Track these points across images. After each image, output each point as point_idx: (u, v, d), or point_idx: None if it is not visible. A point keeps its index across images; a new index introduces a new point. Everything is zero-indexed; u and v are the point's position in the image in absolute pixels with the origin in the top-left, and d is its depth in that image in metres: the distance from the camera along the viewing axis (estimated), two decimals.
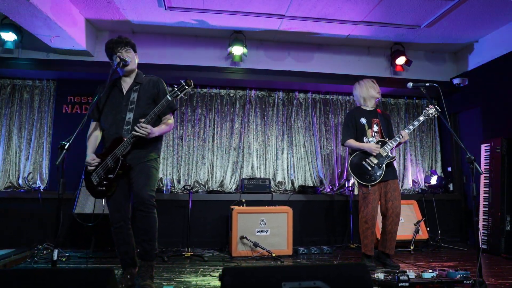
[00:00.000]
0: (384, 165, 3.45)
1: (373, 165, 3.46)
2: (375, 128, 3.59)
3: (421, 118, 3.47)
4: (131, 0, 4.00)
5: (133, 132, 2.53)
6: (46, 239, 4.24)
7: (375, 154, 3.44)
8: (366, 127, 3.58)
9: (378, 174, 3.44)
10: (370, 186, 3.45)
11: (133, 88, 2.77)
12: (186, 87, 2.47)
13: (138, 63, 2.90)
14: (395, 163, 3.68)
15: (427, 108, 3.42)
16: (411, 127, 3.52)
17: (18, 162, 4.83)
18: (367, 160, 3.49)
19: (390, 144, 3.46)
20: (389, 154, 3.48)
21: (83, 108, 4.90)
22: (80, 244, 4.36)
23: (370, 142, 3.54)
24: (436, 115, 3.37)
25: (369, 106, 3.67)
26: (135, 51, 2.87)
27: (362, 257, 3.56)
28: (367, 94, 3.64)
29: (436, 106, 3.30)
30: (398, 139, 3.46)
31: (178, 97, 2.51)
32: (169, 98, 2.50)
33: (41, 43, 4.29)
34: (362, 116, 3.61)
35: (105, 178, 2.63)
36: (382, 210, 3.55)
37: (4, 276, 1.59)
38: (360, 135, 3.58)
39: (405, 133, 3.47)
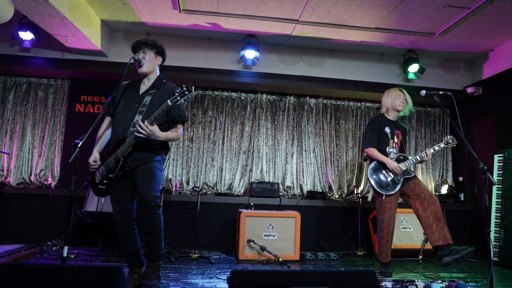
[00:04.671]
0: (402, 179, 3.46)
1: (392, 177, 3.48)
2: (396, 139, 3.60)
3: (442, 144, 3.51)
4: (147, 2, 4.05)
5: (135, 133, 2.51)
6: (55, 235, 4.30)
7: (396, 172, 3.44)
8: (389, 136, 3.59)
9: (394, 186, 3.45)
10: (384, 196, 3.45)
11: (149, 91, 2.76)
12: (187, 93, 2.42)
13: None
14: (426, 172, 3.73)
15: (447, 137, 3.52)
16: (437, 148, 3.53)
17: (31, 159, 4.91)
18: (387, 170, 3.51)
19: (412, 160, 3.48)
20: (409, 170, 3.49)
21: (96, 108, 4.97)
22: (88, 242, 4.40)
23: (390, 152, 3.56)
24: (452, 146, 3.50)
25: (392, 116, 3.67)
26: (159, 54, 2.83)
27: (380, 265, 3.55)
28: (391, 105, 3.63)
29: (454, 139, 3.48)
30: (423, 156, 3.47)
31: (178, 102, 2.46)
32: (169, 103, 2.45)
33: (57, 42, 4.36)
34: (387, 125, 3.61)
35: (106, 177, 2.64)
36: (416, 208, 3.43)
37: (14, 270, 1.61)
38: (382, 143, 3.58)
39: (430, 152, 3.48)
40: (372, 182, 3.51)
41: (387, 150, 3.56)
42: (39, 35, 4.52)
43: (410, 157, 3.51)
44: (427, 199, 3.37)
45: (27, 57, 4.69)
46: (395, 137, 3.60)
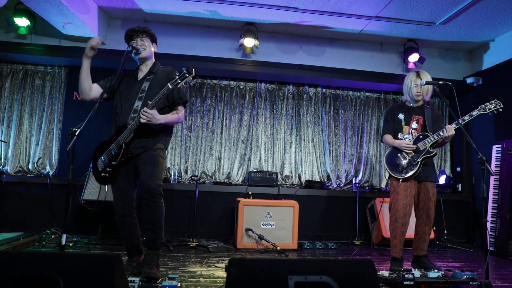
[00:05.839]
0: (419, 160, 3.15)
1: (408, 158, 3.20)
2: (414, 125, 3.31)
3: (474, 112, 3.05)
4: None
5: (140, 117, 2.50)
6: (53, 223, 4.30)
7: (407, 151, 3.19)
8: (403, 123, 3.33)
9: (411, 168, 3.16)
10: (400, 180, 3.17)
11: (147, 77, 2.78)
12: (187, 75, 2.42)
13: None
14: (434, 161, 3.31)
15: (486, 103, 3.04)
16: (460, 121, 3.02)
17: (28, 147, 4.89)
18: (402, 152, 3.24)
19: (431, 138, 3.14)
20: (428, 148, 3.16)
21: None
22: (87, 230, 4.40)
23: (406, 139, 3.28)
24: (496, 112, 3.02)
25: (412, 103, 3.38)
26: (153, 41, 2.88)
27: (391, 260, 3.28)
28: (408, 93, 3.34)
29: (499, 102, 3.01)
30: (442, 134, 3.09)
31: (179, 85, 2.47)
32: (170, 86, 2.46)
33: (54, 29, 4.30)
34: (401, 112, 3.38)
35: (108, 164, 2.64)
36: (414, 210, 3.28)
37: (13, 258, 1.61)
38: (396, 130, 3.37)
39: (449, 127, 3.05)
40: (387, 166, 3.28)
41: (400, 136, 3.32)
42: (35, 22, 4.44)
43: (430, 135, 3.18)
44: (422, 217, 3.21)
45: (23, 44, 4.63)
46: (414, 122, 3.31)
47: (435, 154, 3.21)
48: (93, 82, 2.81)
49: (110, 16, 4.71)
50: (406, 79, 3.39)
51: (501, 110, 3.04)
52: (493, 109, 3.04)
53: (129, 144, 2.60)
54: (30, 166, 4.83)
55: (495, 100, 3.06)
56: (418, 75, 3.30)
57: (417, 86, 3.28)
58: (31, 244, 3.76)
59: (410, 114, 3.35)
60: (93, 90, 2.79)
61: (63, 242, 2.16)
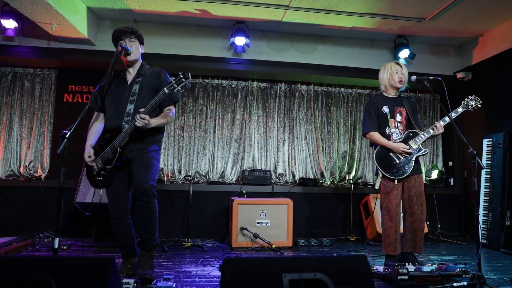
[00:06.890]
0: (413, 159, 3.13)
1: (402, 158, 3.14)
2: (398, 118, 3.24)
3: (460, 109, 3.12)
4: None
5: (135, 122, 2.51)
6: (47, 227, 4.26)
7: (407, 153, 3.11)
8: (389, 116, 3.24)
9: (406, 168, 3.12)
10: (396, 181, 3.11)
11: (136, 80, 2.77)
12: (183, 80, 2.44)
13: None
14: (420, 158, 3.33)
15: (466, 99, 3.12)
16: (447, 118, 3.08)
17: (19, 151, 4.83)
18: (395, 152, 3.17)
19: (422, 136, 3.13)
20: (420, 147, 3.14)
21: (84, 97, 4.89)
22: (81, 233, 4.38)
23: (393, 133, 3.22)
24: (476, 108, 3.11)
25: (392, 94, 3.32)
26: (141, 42, 2.85)
27: (385, 258, 3.23)
28: (388, 82, 3.29)
29: (478, 98, 3.10)
30: (432, 131, 3.10)
31: (175, 90, 2.48)
32: (166, 91, 2.47)
33: (42, 31, 4.25)
34: (384, 104, 3.27)
35: (103, 168, 2.63)
36: (405, 206, 3.20)
37: (6, 263, 1.59)
38: (382, 125, 3.25)
39: (439, 124, 3.08)
40: (381, 168, 3.16)
41: (387, 131, 3.22)
42: (23, 23, 4.38)
43: (420, 133, 3.16)
44: (417, 212, 3.13)
45: (11, 46, 4.56)
46: (398, 115, 3.24)
47: (427, 151, 3.21)
48: (92, 106, 2.81)
49: (99, 16, 4.67)
50: (384, 67, 3.34)
51: (480, 106, 3.13)
52: (474, 105, 3.12)
53: (124, 148, 2.60)
54: (21, 170, 4.78)
55: (474, 96, 3.15)
56: (396, 63, 3.31)
57: (398, 72, 3.27)
58: (24, 248, 3.72)
59: (393, 106, 3.28)
60: (101, 118, 2.84)
61: (56, 246, 2.14)
